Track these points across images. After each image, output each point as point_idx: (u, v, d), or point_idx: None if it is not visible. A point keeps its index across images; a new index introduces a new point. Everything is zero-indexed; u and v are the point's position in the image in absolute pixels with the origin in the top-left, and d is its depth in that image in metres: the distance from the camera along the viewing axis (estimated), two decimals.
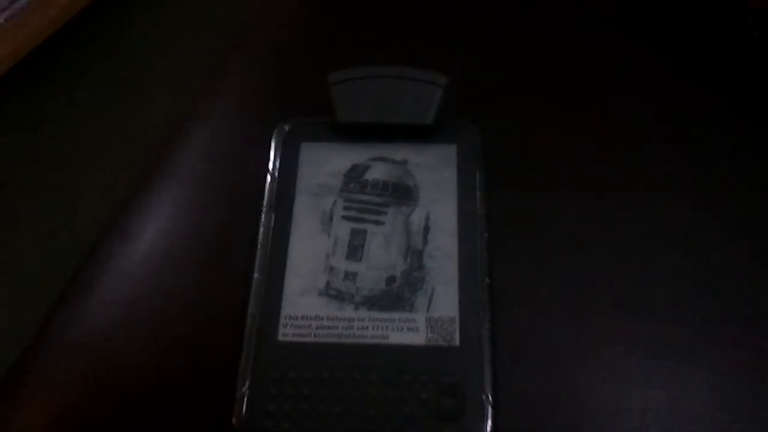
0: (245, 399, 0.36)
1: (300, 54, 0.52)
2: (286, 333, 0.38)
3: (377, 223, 0.42)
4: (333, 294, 0.40)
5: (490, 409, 0.36)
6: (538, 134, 0.47)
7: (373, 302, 0.39)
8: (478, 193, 0.43)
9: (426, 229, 0.42)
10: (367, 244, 0.41)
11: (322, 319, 0.39)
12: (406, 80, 0.45)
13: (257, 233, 0.42)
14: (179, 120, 0.51)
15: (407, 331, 0.38)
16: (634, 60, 0.50)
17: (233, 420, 0.36)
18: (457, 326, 0.38)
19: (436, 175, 0.44)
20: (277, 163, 0.45)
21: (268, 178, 0.44)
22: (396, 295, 0.39)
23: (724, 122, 0.47)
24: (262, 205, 0.43)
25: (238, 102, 0.51)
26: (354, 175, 0.44)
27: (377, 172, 0.44)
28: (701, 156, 0.45)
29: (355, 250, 0.41)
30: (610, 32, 0.52)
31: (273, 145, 0.45)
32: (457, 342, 0.38)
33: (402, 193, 0.43)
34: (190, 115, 0.51)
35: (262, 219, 0.43)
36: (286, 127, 0.46)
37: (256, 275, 0.40)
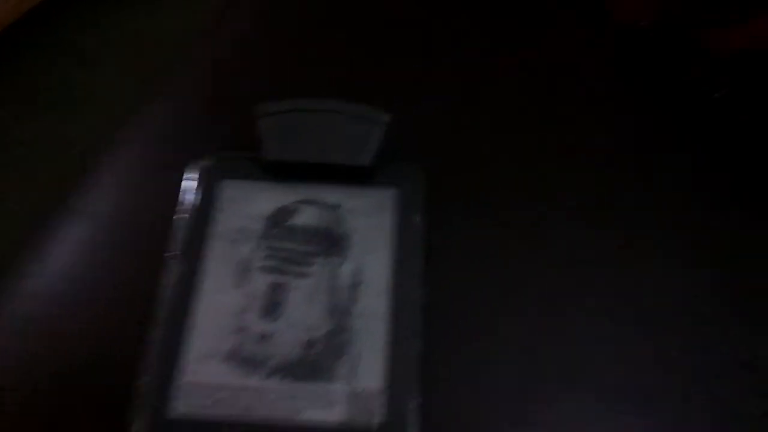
0: None
1: (232, 84, 0.47)
2: (180, 405, 0.32)
3: (301, 275, 0.37)
4: (241, 359, 0.34)
5: None
6: (487, 178, 0.42)
7: (287, 370, 0.34)
8: (417, 244, 0.38)
9: (355, 285, 0.37)
10: (287, 301, 0.36)
11: (226, 389, 0.33)
12: (342, 116, 0.40)
13: (161, 284, 0.37)
14: (97, 146, 0.46)
15: (323, 406, 0.33)
16: (589, 95, 0.46)
17: None
18: (382, 401, 0.33)
19: (371, 221, 0.39)
20: (193, 203, 0.39)
21: (181, 219, 0.39)
22: (314, 362, 0.34)
23: (681, 164, 0.43)
24: (170, 250, 0.38)
25: (161, 132, 0.46)
26: (278, 219, 0.39)
27: (305, 217, 0.39)
28: (660, 191, 0.41)
29: (272, 308, 0.36)
30: (568, 70, 0.48)
31: (190, 181, 0.40)
32: (380, 420, 0.32)
33: (332, 242, 0.38)
34: (106, 143, 0.45)
35: (168, 267, 0.37)
36: (206, 162, 0.41)
37: (153, 334, 0.35)
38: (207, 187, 0.40)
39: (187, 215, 0.39)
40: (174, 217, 0.39)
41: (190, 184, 0.40)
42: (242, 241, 0.38)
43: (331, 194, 0.40)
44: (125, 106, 0.48)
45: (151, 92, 0.48)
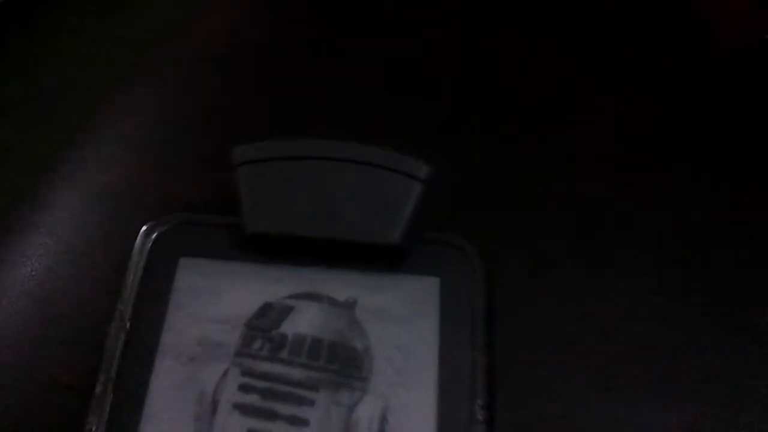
0: None
1: (206, 115, 0.34)
2: None
3: (296, 422, 0.24)
4: None
5: None
6: (554, 249, 0.29)
7: None
8: (475, 365, 0.25)
9: None
10: None
11: None
12: (362, 168, 0.27)
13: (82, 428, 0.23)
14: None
15: None
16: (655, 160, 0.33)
17: None
18: None
19: (404, 330, 0.25)
20: (132, 296, 0.26)
21: (115, 322, 0.25)
22: None
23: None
24: (98, 372, 0.24)
25: (102, 176, 0.32)
26: (263, 326, 0.25)
27: (303, 322, 0.26)
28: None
29: None
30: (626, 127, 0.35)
31: (132, 261, 0.27)
32: None
33: (344, 364, 0.25)
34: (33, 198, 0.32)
35: (94, 400, 0.24)
36: (157, 231, 0.27)
37: None
38: (156, 271, 0.26)
39: (126, 316, 0.25)
40: (108, 320, 0.25)
41: (132, 265, 0.27)
42: (206, 361, 0.25)
43: (342, 286, 0.26)
44: (72, 126, 0.35)
45: (97, 117, 0.35)
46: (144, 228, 0.27)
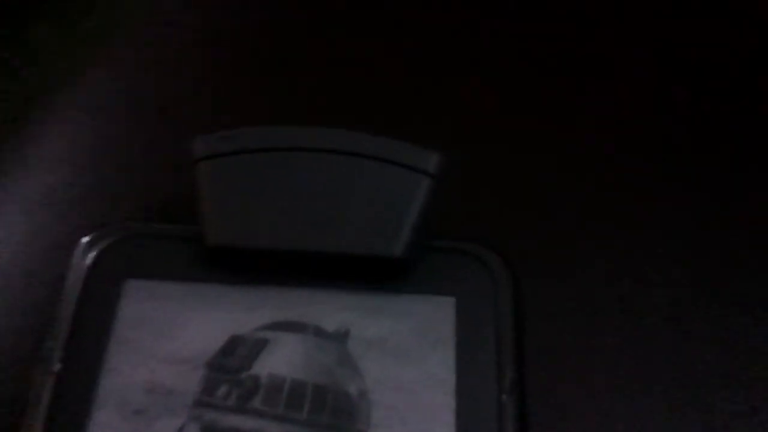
0: None
1: (164, 102, 0.28)
2: None
3: None
4: None
5: None
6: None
7: None
8: (506, 415, 0.19)
9: None
10: None
11: None
12: (356, 160, 0.21)
13: None
14: None
15: None
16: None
17: None
18: None
19: (409, 368, 0.20)
20: (65, 329, 0.20)
21: (41, 363, 0.20)
22: None
23: None
24: (19, 429, 0.19)
25: (44, 175, 0.26)
26: (230, 365, 0.20)
27: (280, 360, 0.20)
28: None
29: None
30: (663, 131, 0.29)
31: (67, 284, 0.21)
32: None
33: (333, 415, 0.19)
34: None
35: None
36: (98, 245, 0.22)
37: None
38: (95, 294, 0.21)
39: (55, 357, 0.20)
40: (36, 361, 0.20)
41: (66, 289, 0.21)
42: (155, 413, 0.19)
43: (331, 311, 0.21)
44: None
45: (41, 105, 0.29)
46: (82, 242, 0.22)
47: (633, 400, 0.21)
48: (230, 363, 0.20)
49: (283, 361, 0.20)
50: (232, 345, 0.20)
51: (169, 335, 0.20)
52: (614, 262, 0.23)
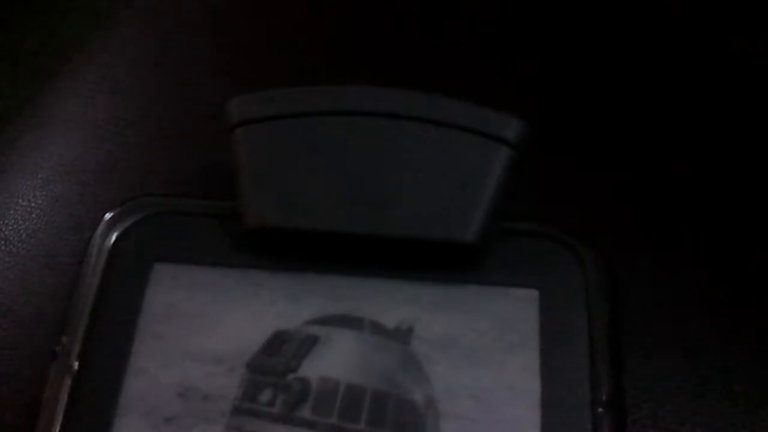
0: None
1: (198, 73, 0.25)
2: None
3: None
4: None
5: None
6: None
7: None
8: (601, 430, 0.16)
9: None
10: None
11: None
12: (420, 126, 0.18)
13: None
14: None
15: None
16: None
17: None
18: None
19: (484, 372, 0.17)
20: (84, 322, 0.18)
21: (57, 361, 0.17)
22: None
23: None
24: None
25: (61, 146, 0.24)
26: (274, 366, 0.17)
27: (333, 361, 0.17)
28: None
29: None
30: None
31: (86, 269, 0.18)
32: None
33: (396, 426, 0.16)
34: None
35: None
36: (122, 224, 0.19)
37: None
38: (118, 281, 0.18)
39: (70, 355, 0.17)
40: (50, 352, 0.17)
41: (87, 272, 0.18)
42: (188, 422, 0.16)
43: (392, 305, 0.18)
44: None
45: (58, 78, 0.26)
46: (105, 219, 0.19)
47: (747, 411, 0.18)
48: (274, 363, 0.17)
49: (336, 362, 0.17)
50: (276, 342, 0.17)
51: (203, 330, 0.17)
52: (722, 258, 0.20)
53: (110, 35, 0.26)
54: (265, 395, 0.17)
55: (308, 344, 0.17)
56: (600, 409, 0.16)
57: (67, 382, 0.17)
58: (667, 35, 0.25)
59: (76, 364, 0.17)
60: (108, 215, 0.19)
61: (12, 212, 0.22)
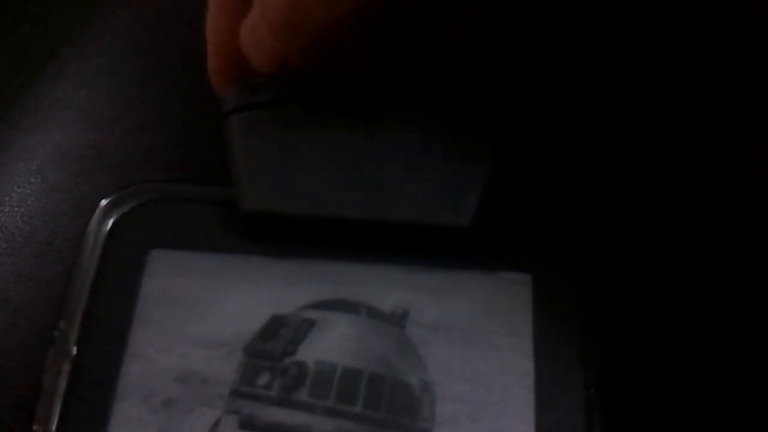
0: None
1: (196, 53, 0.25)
2: None
3: None
4: None
5: None
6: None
7: None
8: (593, 412, 0.16)
9: None
10: None
11: None
12: (414, 110, 0.18)
13: None
14: None
15: None
16: None
17: None
18: None
19: (479, 356, 0.17)
20: (81, 306, 0.18)
21: (55, 346, 0.17)
22: None
23: None
24: (31, 423, 0.17)
25: (55, 129, 0.24)
26: (271, 350, 0.17)
27: (330, 345, 0.17)
28: None
29: None
30: None
31: (83, 255, 0.18)
32: None
33: (392, 409, 0.17)
34: None
35: None
36: (118, 210, 0.19)
37: None
38: (115, 266, 0.18)
39: (68, 340, 0.17)
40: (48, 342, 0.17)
41: (86, 257, 0.18)
42: (186, 405, 0.17)
43: (388, 289, 0.18)
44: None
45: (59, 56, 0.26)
46: (101, 204, 0.19)
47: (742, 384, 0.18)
48: (272, 347, 0.17)
49: (333, 345, 0.17)
50: (274, 326, 0.17)
51: (202, 315, 0.18)
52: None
53: (107, 21, 0.26)
54: (263, 379, 0.17)
55: (305, 328, 0.17)
56: (592, 390, 0.17)
57: (66, 367, 0.17)
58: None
59: (74, 349, 0.17)
60: (104, 201, 0.19)
61: (7, 199, 0.22)
